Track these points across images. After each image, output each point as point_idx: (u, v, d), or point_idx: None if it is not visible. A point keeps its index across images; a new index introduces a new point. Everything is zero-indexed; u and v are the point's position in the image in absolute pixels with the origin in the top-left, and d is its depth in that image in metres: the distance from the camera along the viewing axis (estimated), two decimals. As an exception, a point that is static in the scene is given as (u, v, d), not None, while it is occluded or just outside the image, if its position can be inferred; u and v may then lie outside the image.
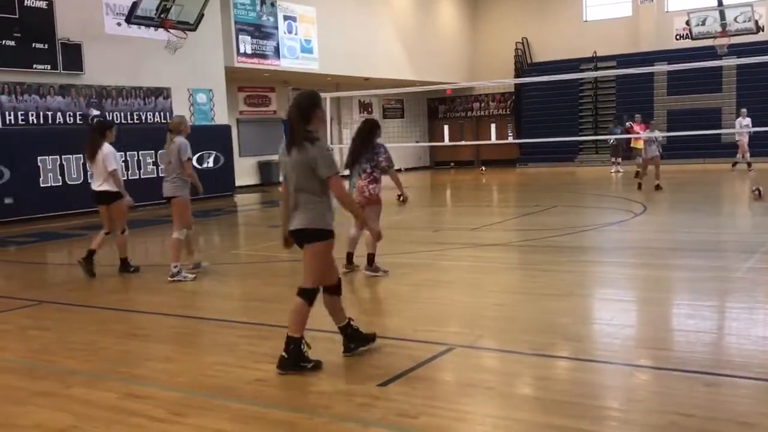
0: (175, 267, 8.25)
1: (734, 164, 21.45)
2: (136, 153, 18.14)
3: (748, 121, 21.12)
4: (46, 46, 16.10)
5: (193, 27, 18.31)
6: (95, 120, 15.77)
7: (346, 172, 8.24)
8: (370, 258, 7.93)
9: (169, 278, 8.19)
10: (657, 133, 17.52)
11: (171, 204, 8.55)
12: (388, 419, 3.91)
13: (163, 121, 19.01)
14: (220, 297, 7.74)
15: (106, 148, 8.73)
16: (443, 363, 4.91)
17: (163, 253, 10.03)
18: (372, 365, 4.82)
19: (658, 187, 16.39)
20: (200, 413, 4.18)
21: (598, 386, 4.47)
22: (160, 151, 8.98)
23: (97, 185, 8.78)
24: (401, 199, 8.51)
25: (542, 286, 7.37)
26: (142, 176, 18.17)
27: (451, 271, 8.34)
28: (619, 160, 21.13)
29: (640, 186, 16.90)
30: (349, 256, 8.15)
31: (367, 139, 7.91)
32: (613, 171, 22.51)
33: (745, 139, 20.98)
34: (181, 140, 8.41)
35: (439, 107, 33.26)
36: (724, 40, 23.52)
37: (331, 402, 4.23)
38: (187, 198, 8.53)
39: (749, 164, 20.90)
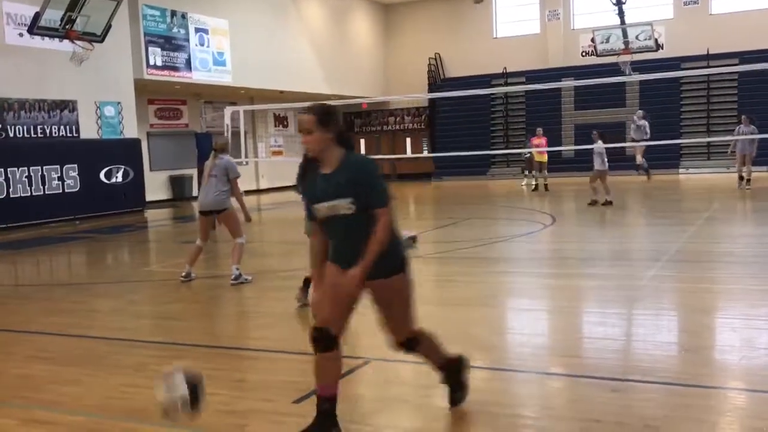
0: (237, 270, 8.45)
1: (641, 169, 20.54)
2: (39, 168, 17.43)
3: (644, 123, 20.23)
4: (-59, 57, 15.34)
5: (100, 38, 17.77)
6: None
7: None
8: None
9: (232, 281, 8.40)
10: (599, 144, 16.32)
11: (219, 216, 8.74)
12: (304, 436, 3.85)
13: (68, 134, 18.36)
14: (129, 316, 7.49)
15: None
16: (359, 377, 4.89)
17: (70, 273, 9.65)
18: (287, 382, 4.75)
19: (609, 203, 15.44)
20: (107, 438, 4.02)
21: (511, 395, 4.55)
22: (205, 163, 8.88)
23: None
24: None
25: (456, 297, 7.46)
26: (46, 192, 17.46)
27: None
28: (535, 172, 21.47)
29: (594, 202, 15.64)
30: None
31: None
32: (524, 184, 23.02)
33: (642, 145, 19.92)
34: (227, 159, 8.68)
35: (355, 121, 33.36)
36: (627, 57, 24.52)
37: (245, 421, 4.14)
38: (233, 208, 8.77)
39: (647, 171, 20.33)
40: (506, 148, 27.65)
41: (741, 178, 17.47)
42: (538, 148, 20.75)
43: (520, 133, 27.94)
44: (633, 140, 20.41)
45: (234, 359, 5.55)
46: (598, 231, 12.50)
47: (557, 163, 23.94)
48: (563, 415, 4.08)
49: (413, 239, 8.88)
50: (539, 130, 21.01)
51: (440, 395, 4.56)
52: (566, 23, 29.52)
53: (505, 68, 29.21)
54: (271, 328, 6.38)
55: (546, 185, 20.73)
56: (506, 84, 28.35)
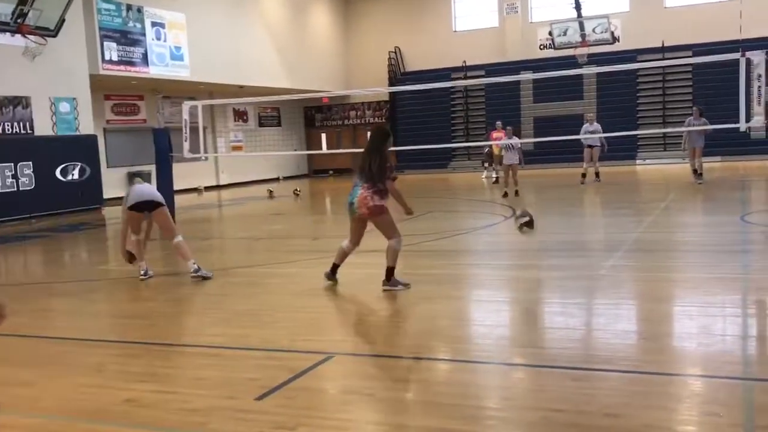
0: (194, 264, 8.47)
1: (583, 175, 19.17)
2: (-6, 165, 17.01)
3: (596, 126, 19.18)
4: None
5: (53, 33, 17.35)
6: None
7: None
8: (390, 272, 7.25)
9: (192, 275, 8.41)
10: (515, 140, 17.55)
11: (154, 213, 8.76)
12: (266, 433, 3.83)
13: (22, 131, 17.94)
14: (87, 315, 7.35)
15: None
16: (322, 372, 4.86)
17: (25, 273, 9.44)
18: (248, 379, 4.70)
19: (516, 193, 16.57)
20: (65, 440, 3.94)
21: (474, 386, 4.57)
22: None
23: None
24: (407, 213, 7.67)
25: (418, 290, 7.47)
26: (0, 190, 17.06)
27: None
28: (495, 166, 21.54)
29: (506, 194, 16.80)
30: (335, 268, 7.63)
31: (376, 146, 7.26)
32: (484, 176, 23.13)
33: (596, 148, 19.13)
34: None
35: (316, 115, 33.20)
36: (584, 50, 24.78)
37: (207, 419, 4.09)
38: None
39: (597, 174, 19.28)
40: (467, 141, 27.76)
41: (695, 171, 17.39)
42: (497, 142, 20.85)
43: (480, 126, 28.09)
44: (589, 146, 19.12)
45: (194, 357, 5.48)
46: (558, 222, 12.62)
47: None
48: (525, 405, 4.11)
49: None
50: (498, 124, 21.10)
51: (404, 388, 4.57)
52: (524, 16, 29.71)
53: (464, 61, 29.30)
54: (231, 325, 6.32)
55: (498, 179, 20.83)
56: (466, 77, 28.46)
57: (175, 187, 15.38)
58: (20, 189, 17.64)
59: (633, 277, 7.62)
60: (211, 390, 4.55)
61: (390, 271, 7.21)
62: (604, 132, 18.62)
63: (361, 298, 7.21)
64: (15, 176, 17.53)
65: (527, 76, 24.06)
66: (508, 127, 18.24)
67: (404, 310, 6.68)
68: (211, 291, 7.95)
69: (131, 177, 19.24)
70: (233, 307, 7.10)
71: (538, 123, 27.78)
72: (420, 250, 10.04)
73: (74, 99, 19.42)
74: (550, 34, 25.80)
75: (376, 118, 32.10)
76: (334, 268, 7.63)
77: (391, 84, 30.03)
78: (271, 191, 22.22)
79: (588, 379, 4.46)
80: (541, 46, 28.90)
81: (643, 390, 4.21)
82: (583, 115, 21.69)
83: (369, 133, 7.53)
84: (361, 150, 7.46)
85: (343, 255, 7.58)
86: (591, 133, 18.68)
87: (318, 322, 6.30)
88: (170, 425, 4.04)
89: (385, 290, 7.15)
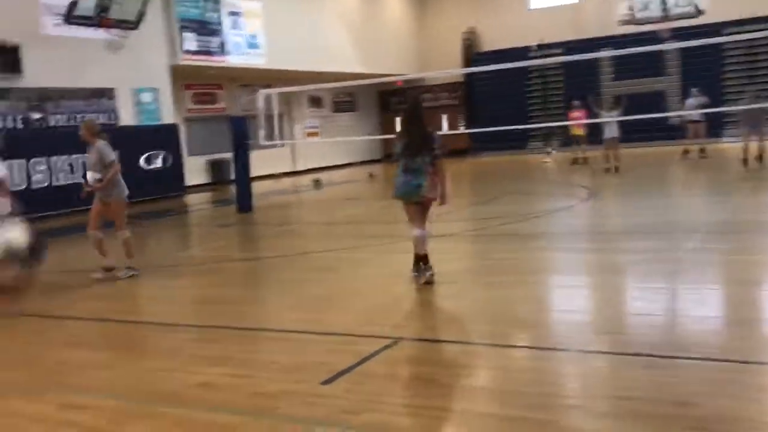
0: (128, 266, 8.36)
1: (686, 152, 19.47)
2: (80, 156, 17.69)
3: (701, 100, 19.00)
4: (-18, 49, 15.59)
5: (134, 25, 17.91)
6: None
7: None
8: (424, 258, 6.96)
9: (120, 275, 8.24)
10: (614, 114, 17.34)
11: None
12: (333, 417, 3.85)
13: (108, 122, 18.58)
14: (166, 300, 7.57)
15: None
16: (389, 357, 4.86)
17: (99, 258, 9.75)
18: (316, 363, 4.74)
19: (616, 170, 16.79)
20: (141, 421, 4.06)
21: (547, 373, 4.47)
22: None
23: None
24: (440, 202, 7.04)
25: (493, 274, 7.38)
26: (88, 180, 17.73)
27: (402, 264, 8.27)
28: (576, 146, 20.96)
29: (607, 170, 17.07)
30: (423, 258, 6.95)
31: (423, 120, 6.87)
32: (546, 160, 22.58)
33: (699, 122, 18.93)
34: (101, 144, 8.63)
35: (391, 99, 33.18)
36: (666, 25, 23.87)
37: (276, 402, 4.15)
38: (119, 196, 8.67)
39: (702, 150, 19.19)
40: (545, 121, 27.21)
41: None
42: (575, 122, 20.35)
43: (558, 106, 27.50)
44: (693, 122, 19.08)
45: (267, 341, 5.57)
46: (636, 204, 12.24)
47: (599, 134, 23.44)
48: (598, 393, 4.01)
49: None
50: (576, 103, 20.61)
51: (470, 375, 4.52)
52: (604, -9, 28.83)
53: (542, 39, 28.69)
54: (304, 310, 6.39)
55: (585, 158, 20.38)
56: (543, 56, 27.85)
57: (253, 174, 15.67)
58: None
59: (717, 260, 7.32)
60: (282, 374, 4.62)
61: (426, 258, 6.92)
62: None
63: (432, 284, 7.15)
64: (101, 166, 18.20)
65: (606, 53, 23.37)
66: (590, 97, 17.98)
67: (475, 294, 6.60)
68: (286, 276, 8.06)
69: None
70: (307, 291, 7.16)
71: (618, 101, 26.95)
72: (495, 233, 9.92)
73: (156, 89, 19.98)
74: (631, 9, 24.94)
75: (451, 100, 31.84)
76: (419, 259, 6.95)
77: (466, 65, 29.69)
78: (371, 174, 22.55)
79: (666, 366, 4.30)
80: (621, 22, 27.98)
81: (726, 378, 4.03)
82: (663, 91, 20.97)
83: (405, 110, 7.09)
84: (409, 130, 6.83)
85: (423, 242, 6.95)
86: (695, 108, 18.34)
87: (388, 307, 6.30)
88: (241, 408, 4.11)
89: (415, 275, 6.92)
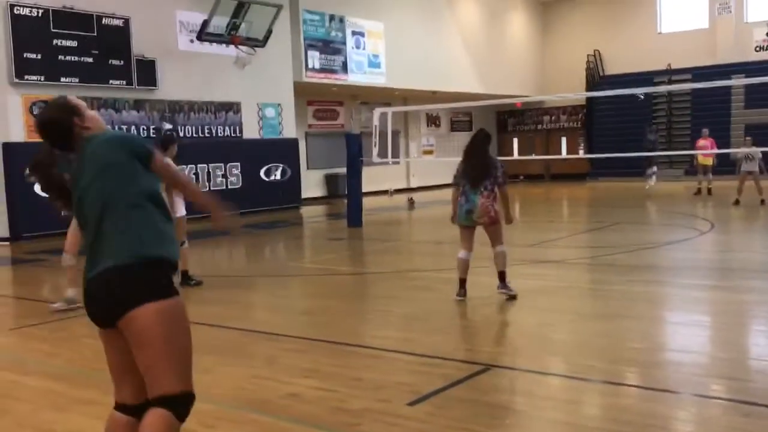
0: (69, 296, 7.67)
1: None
2: (206, 166, 18.63)
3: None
4: (122, 63, 16.71)
5: (261, 43, 18.72)
6: (165, 134, 16.31)
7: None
8: (504, 275, 7.37)
9: (56, 307, 7.62)
10: (755, 150, 16.56)
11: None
12: (412, 439, 3.89)
13: (233, 135, 19.45)
14: (271, 309, 7.84)
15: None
16: (478, 383, 4.84)
17: (229, 266, 10.25)
18: (404, 383, 4.80)
19: (762, 203, 16.21)
20: (231, 426, 4.25)
21: (656, 417, 4.33)
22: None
23: None
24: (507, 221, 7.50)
25: (592, 307, 7.21)
26: (211, 188, 18.64)
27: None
28: (700, 176, 19.96)
29: (737, 202, 16.45)
30: (463, 283, 7.40)
31: (487, 152, 7.45)
32: (647, 186, 21.38)
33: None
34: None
35: (509, 120, 32.96)
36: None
37: (360, 420, 4.23)
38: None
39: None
40: (669, 148, 26.22)
41: None
42: (703, 151, 19.56)
43: (685, 133, 26.47)
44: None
45: (357, 357, 5.67)
46: (762, 239, 11.60)
47: (725, 165, 22.37)
48: (687, 438, 3.85)
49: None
50: (705, 131, 19.84)
51: (555, 408, 4.43)
52: (738, 16, 27.57)
53: (669, 64, 27.74)
54: (396, 328, 6.47)
55: (710, 189, 19.49)
56: (670, 82, 26.90)
57: (367, 189, 15.98)
58: (228, 187, 19.16)
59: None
60: (367, 391, 4.70)
61: (504, 275, 7.33)
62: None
63: (531, 310, 7.07)
64: (225, 175, 19.09)
65: (739, 81, 22.28)
66: (747, 138, 17.28)
67: (571, 326, 6.47)
68: (383, 293, 8.18)
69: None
70: (402, 309, 7.25)
71: (749, 131, 25.62)
72: (601, 263, 9.67)
73: (279, 105, 20.75)
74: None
75: (571, 123, 31.27)
76: (462, 283, 7.35)
77: (589, 88, 29.09)
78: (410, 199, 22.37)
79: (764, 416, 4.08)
80: (757, 48, 26.68)
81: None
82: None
83: (471, 139, 7.58)
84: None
85: (466, 266, 7.37)
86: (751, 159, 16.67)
87: (482, 332, 6.29)
88: (325, 423, 4.22)
89: (501, 292, 7.31)
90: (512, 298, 7.25)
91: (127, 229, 2.94)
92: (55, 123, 3.16)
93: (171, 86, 17.81)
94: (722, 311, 6.85)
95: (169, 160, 3.34)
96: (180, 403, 2.97)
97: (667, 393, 4.57)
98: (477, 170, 7.24)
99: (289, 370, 5.25)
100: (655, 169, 21.58)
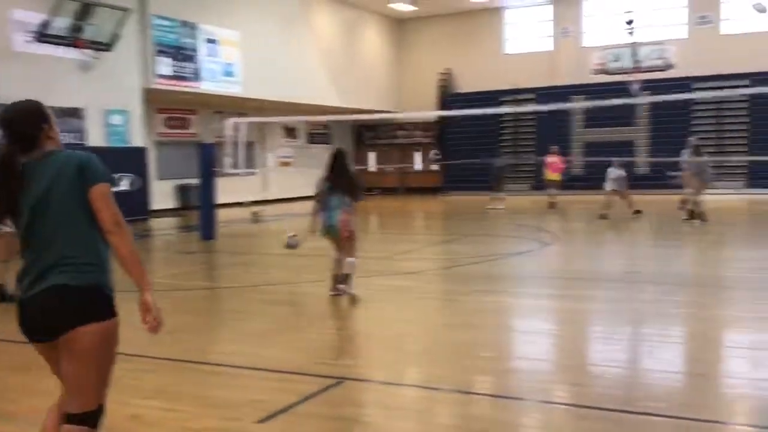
0: None
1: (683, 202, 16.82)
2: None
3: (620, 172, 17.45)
4: (-51, 62, 15.41)
5: (107, 47, 17.85)
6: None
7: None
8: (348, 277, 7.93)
9: None
10: (621, 173, 17.19)
11: None
12: (261, 459, 3.75)
13: (75, 142, 18.37)
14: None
15: None
16: (330, 397, 4.76)
17: None
18: (255, 400, 4.63)
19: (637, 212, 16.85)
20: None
21: (483, 421, 4.40)
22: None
23: None
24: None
25: (444, 317, 7.34)
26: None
27: (358, 299, 8.19)
28: (550, 190, 20.84)
29: (604, 216, 16.55)
30: (338, 280, 7.97)
31: (350, 170, 7.92)
32: (489, 207, 21.15)
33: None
34: None
35: (366, 134, 33.34)
36: (637, 77, 24.36)
37: (207, 440, 4.03)
38: None
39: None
40: (515, 164, 27.49)
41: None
42: (552, 167, 20.75)
43: (529, 149, 27.83)
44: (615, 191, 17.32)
45: (204, 375, 5.43)
46: (600, 251, 12.32)
47: (567, 181, 23.69)
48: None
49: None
50: (554, 148, 21.01)
51: (405, 418, 4.43)
52: (577, 41, 29.41)
53: (515, 84, 29.11)
54: (249, 344, 6.27)
55: (555, 203, 20.52)
56: (516, 101, 28.24)
57: (222, 201, 15.55)
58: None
59: (677, 313, 7.34)
60: (215, 410, 4.50)
61: (349, 278, 7.80)
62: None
63: (385, 321, 7.08)
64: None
65: (578, 104, 23.72)
66: (615, 160, 17.58)
67: (428, 336, 6.54)
68: (236, 308, 7.94)
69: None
70: (254, 324, 7.06)
71: (588, 148, 27.39)
72: (452, 274, 9.89)
73: (127, 111, 19.85)
74: (603, 59, 25.46)
75: (425, 138, 32.07)
76: (338, 280, 7.85)
77: (441, 104, 29.98)
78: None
79: (620, 422, 4.26)
80: (594, 71, 28.51)
81: (660, 434, 3.99)
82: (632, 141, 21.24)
83: (333, 158, 7.89)
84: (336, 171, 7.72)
85: (338, 265, 7.90)
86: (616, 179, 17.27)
87: (336, 345, 6.22)
88: (169, 445, 4.00)
89: (342, 289, 7.79)
90: (353, 299, 7.63)
91: (79, 246, 3.01)
92: (26, 122, 3.10)
93: (5, 89, 16.50)
94: (565, 319, 7.16)
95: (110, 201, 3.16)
96: (98, 416, 3.13)
97: (515, 400, 4.69)
98: (343, 188, 7.63)
99: (132, 391, 4.93)
100: (502, 194, 21.63)
